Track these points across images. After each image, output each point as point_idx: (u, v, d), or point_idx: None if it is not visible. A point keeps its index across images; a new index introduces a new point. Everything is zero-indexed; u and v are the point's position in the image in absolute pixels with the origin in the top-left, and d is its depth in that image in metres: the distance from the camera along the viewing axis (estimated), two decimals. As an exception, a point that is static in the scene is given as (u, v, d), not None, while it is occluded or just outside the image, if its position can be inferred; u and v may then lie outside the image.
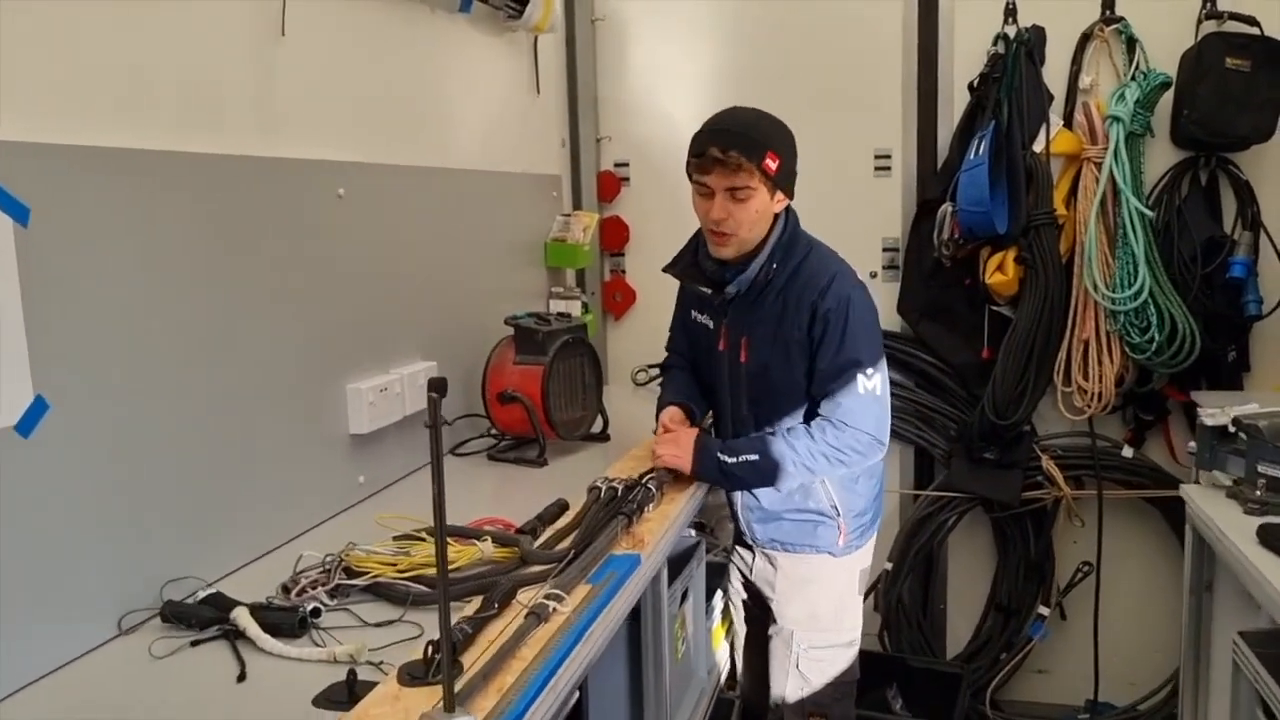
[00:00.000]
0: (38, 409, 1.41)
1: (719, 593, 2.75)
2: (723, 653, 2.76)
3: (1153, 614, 3.46)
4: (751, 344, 2.27)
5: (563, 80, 3.61)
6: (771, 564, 2.47)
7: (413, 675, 1.35)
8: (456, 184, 2.74)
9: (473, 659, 1.38)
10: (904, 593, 3.46)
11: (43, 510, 1.44)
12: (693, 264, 2.35)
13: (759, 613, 2.64)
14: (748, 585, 2.62)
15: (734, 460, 2.20)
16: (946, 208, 3.23)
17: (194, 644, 1.53)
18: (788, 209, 2.25)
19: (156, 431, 1.65)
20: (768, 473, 2.20)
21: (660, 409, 2.44)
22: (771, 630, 2.52)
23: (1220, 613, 2.20)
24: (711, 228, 2.18)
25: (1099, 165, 3.17)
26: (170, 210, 1.68)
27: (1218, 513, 2.02)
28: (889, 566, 3.44)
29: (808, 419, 2.25)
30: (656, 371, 3.59)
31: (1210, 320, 3.16)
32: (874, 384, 2.18)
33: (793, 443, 2.17)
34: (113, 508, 1.56)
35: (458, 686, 1.30)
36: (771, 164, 2.11)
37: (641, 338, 3.68)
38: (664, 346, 2.66)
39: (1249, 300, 3.15)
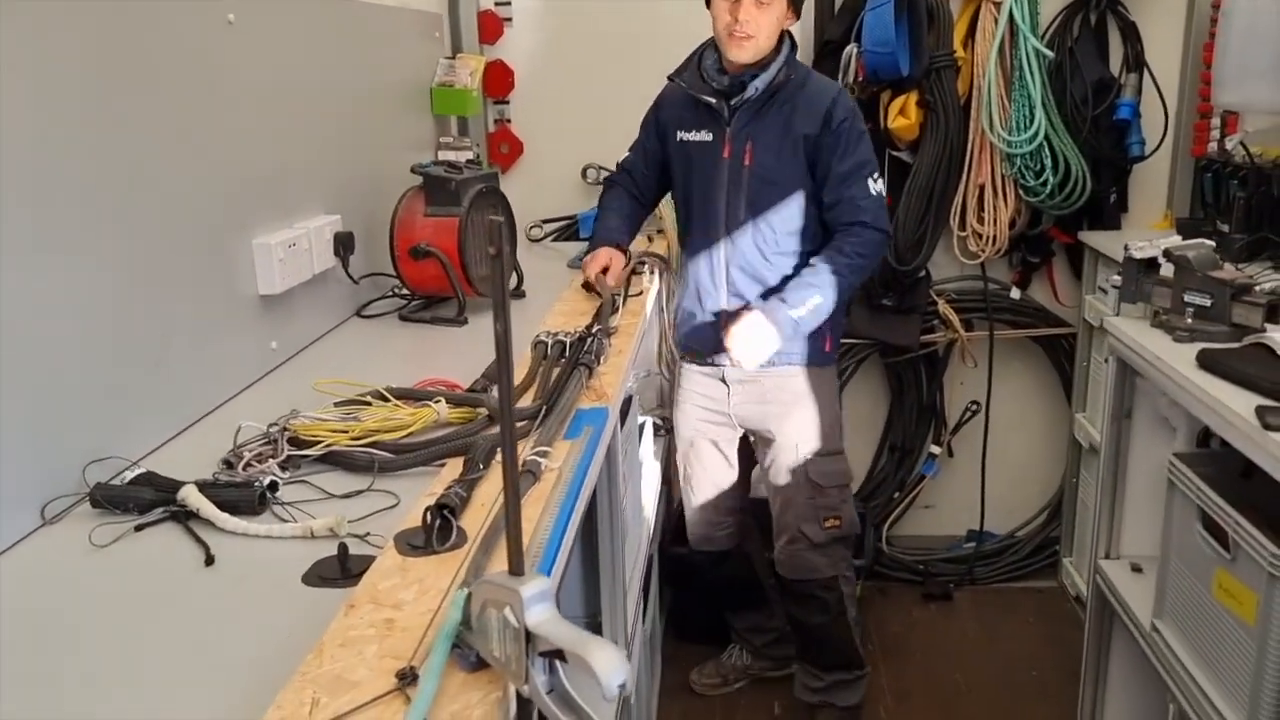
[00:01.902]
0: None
1: (647, 448, 2.72)
2: (651, 506, 2.74)
3: (1032, 448, 3.66)
4: (757, 147, 2.42)
5: (436, -94, 3.29)
6: (759, 388, 2.57)
7: (413, 544, 1.23)
8: (341, 16, 2.46)
9: (474, 523, 1.27)
10: (805, 440, 3.51)
11: (-60, 387, 1.21)
12: (697, 77, 2.47)
13: (740, 450, 2.77)
14: (716, 425, 2.71)
15: (804, 311, 2.33)
16: (852, 49, 3.15)
17: (138, 529, 1.35)
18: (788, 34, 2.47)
19: (57, 296, 1.40)
20: (828, 305, 2.36)
21: (594, 245, 2.55)
22: (770, 453, 2.63)
23: (1136, 440, 2.31)
24: (735, 31, 2.33)
25: (998, 5, 3.14)
26: (44, 40, 1.39)
27: (1149, 342, 2.08)
28: (790, 415, 3.47)
29: (796, 215, 2.44)
30: (551, 227, 3.46)
31: (1096, 162, 3.24)
32: (879, 186, 2.42)
33: (833, 265, 2.35)
34: (18, 385, 1.32)
35: (469, 553, 1.20)
36: None
37: (532, 191, 3.49)
38: (616, 164, 2.77)
39: (1133, 141, 3.25)
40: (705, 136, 2.48)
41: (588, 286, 2.41)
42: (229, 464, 1.50)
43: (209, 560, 1.26)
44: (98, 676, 1.05)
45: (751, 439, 2.73)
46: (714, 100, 2.43)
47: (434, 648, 0.96)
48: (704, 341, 2.61)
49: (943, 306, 3.35)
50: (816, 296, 2.33)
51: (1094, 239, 3.24)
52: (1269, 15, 2.58)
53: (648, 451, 2.77)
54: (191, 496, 1.37)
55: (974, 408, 3.55)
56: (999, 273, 3.49)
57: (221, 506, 1.36)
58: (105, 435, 1.48)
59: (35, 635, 1.12)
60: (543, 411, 1.60)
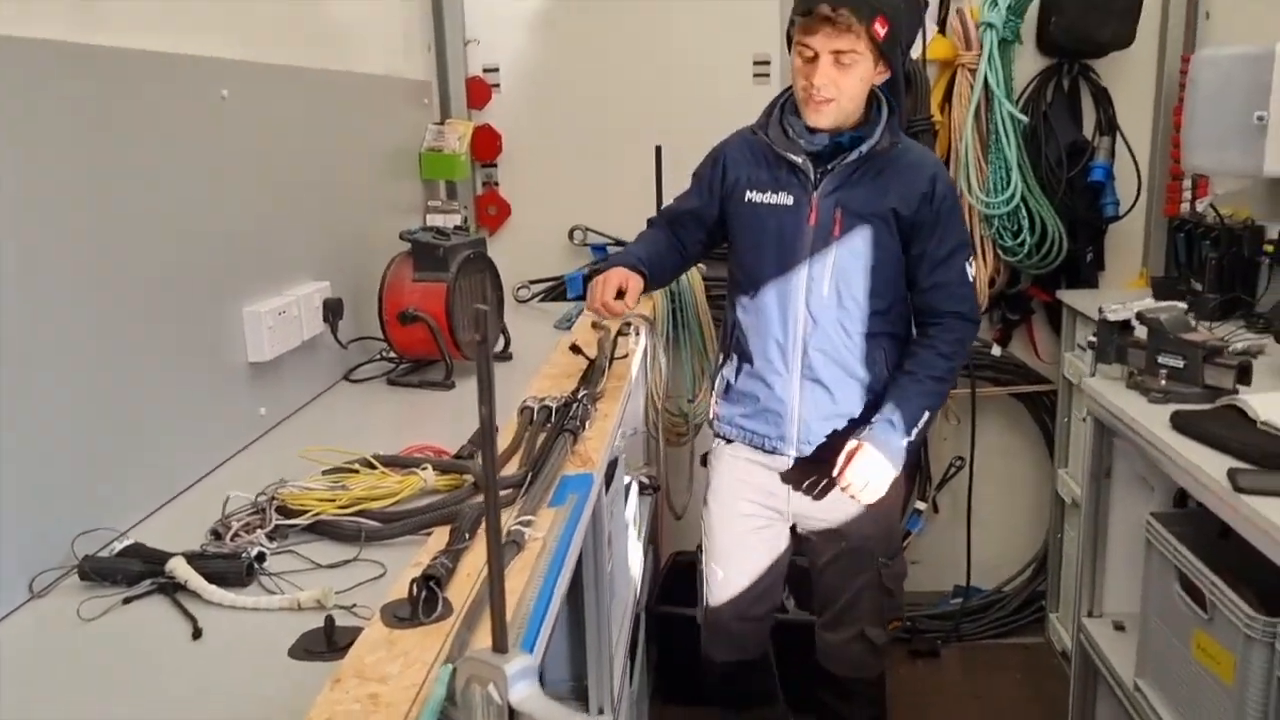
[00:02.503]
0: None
1: (632, 508, 2.73)
2: (637, 566, 2.75)
3: (1015, 503, 3.69)
4: (847, 216, 2.16)
5: (425, -22, 3.37)
6: (828, 486, 2.28)
7: (399, 616, 1.25)
8: (332, 87, 2.51)
9: (460, 594, 1.29)
10: (791, 497, 3.53)
11: (-67, 463, 1.23)
12: (781, 133, 2.22)
13: (789, 539, 2.49)
14: (767, 526, 2.44)
15: (916, 428, 2.15)
16: (831, 114, 3.22)
17: (126, 601, 1.36)
18: (892, 84, 2.19)
19: (45, 368, 1.43)
20: (935, 414, 2.23)
21: (612, 263, 2.33)
22: (834, 550, 2.38)
23: (1116, 498, 2.34)
24: (812, 94, 2.09)
25: (973, 71, 3.23)
26: (51, 111, 1.43)
27: (1125, 403, 2.12)
28: (776, 472, 3.50)
29: (883, 292, 2.21)
30: (539, 288, 3.51)
31: (1072, 222, 3.31)
32: (973, 269, 2.24)
33: (935, 371, 2.17)
34: (5, 453, 1.34)
35: (454, 627, 1.21)
36: (880, 29, 2.03)
37: (519, 253, 3.54)
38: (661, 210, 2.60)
39: (1107, 202, 3.33)
40: (784, 200, 2.21)
41: (575, 349, 2.42)
42: (217, 534, 1.52)
43: (196, 633, 1.28)
44: (85, 754, 1.06)
45: (808, 535, 2.46)
46: (800, 160, 2.19)
47: (419, 725, 0.98)
48: (768, 429, 2.34)
49: (925, 364, 3.39)
50: (927, 414, 2.18)
51: (1071, 298, 3.30)
52: (1234, 82, 2.67)
53: (633, 511, 2.78)
54: (179, 568, 1.39)
55: (958, 463, 3.58)
56: (980, 330, 3.54)
57: (209, 578, 1.38)
58: (94, 506, 1.50)
59: (22, 710, 1.13)
60: (527, 479, 1.62)
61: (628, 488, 2.77)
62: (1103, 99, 3.34)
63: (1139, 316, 2.16)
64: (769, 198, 2.24)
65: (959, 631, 3.59)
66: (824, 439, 2.28)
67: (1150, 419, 2.01)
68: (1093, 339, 2.29)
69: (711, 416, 2.50)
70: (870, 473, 2.14)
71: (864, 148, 2.14)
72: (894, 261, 2.21)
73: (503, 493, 1.59)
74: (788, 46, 2.18)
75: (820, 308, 2.22)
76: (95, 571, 1.40)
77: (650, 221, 2.55)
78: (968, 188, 3.24)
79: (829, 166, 2.18)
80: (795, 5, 2.11)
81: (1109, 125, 3.34)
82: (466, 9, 3.48)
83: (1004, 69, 3.21)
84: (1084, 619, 2.39)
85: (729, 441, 2.44)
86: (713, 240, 2.44)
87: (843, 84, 2.07)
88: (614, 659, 2.17)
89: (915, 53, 3.24)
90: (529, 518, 1.49)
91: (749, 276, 2.31)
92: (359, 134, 2.70)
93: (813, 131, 2.17)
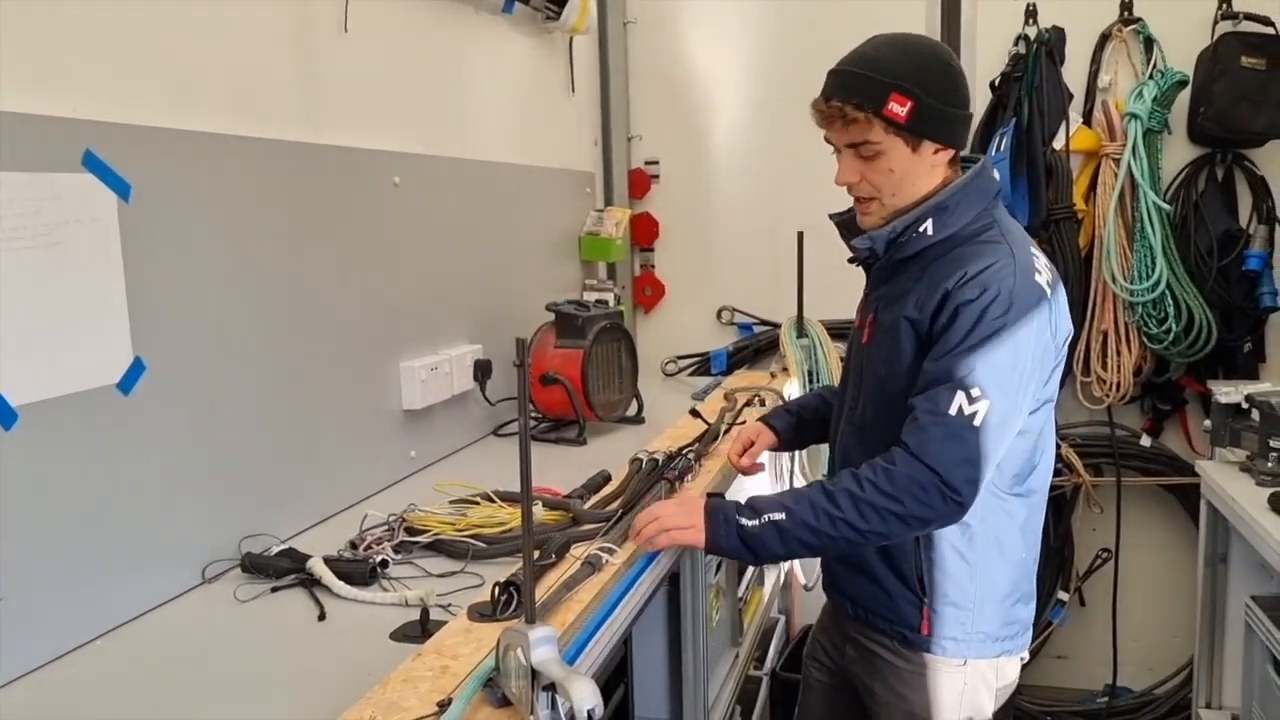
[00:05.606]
0: (136, 369, 1.54)
1: (749, 571, 2.86)
2: (756, 627, 2.87)
3: (1170, 600, 3.55)
4: (876, 321, 1.77)
5: (595, 80, 3.74)
6: (870, 663, 1.85)
7: (481, 613, 1.47)
8: (498, 177, 2.87)
9: (535, 600, 1.50)
10: (927, 577, 3.55)
11: (138, 463, 1.57)
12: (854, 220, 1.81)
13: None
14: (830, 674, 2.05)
15: (755, 522, 1.62)
16: (969, 202, 3.33)
17: (274, 590, 1.66)
18: (979, 165, 1.71)
19: (236, 398, 1.77)
20: (798, 534, 1.60)
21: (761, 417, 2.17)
22: None
23: (1235, 583, 2.30)
24: (851, 193, 1.75)
25: (1117, 161, 3.27)
26: (252, 192, 1.81)
27: (1231, 485, 2.12)
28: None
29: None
30: (686, 363, 3.74)
31: (1227, 312, 3.25)
32: (975, 410, 1.55)
33: (831, 490, 1.60)
34: (198, 465, 1.68)
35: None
36: (898, 108, 1.61)
37: (670, 330, 3.81)
38: None
39: (1264, 292, 3.25)
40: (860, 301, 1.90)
41: (694, 414, 2.62)
42: (354, 545, 1.81)
43: (321, 616, 1.55)
44: (222, 692, 1.34)
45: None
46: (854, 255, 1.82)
47: (468, 683, 1.19)
48: (826, 565, 1.97)
49: (1065, 450, 3.38)
50: (782, 516, 1.61)
51: (1220, 388, 3.21)
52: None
53: (751, 575, 2.90)
54: (317, 567, 1.67)
55: (1104, 555, 3.50)
56: (1129, 419, 3.50)
57: (339, 576, 1.66)
58: (262, 517, 1.83)
59: (187, 659, 1.43)
60: (618, 516, 1.82)
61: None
62: (1260, 188, 3.29)
63: (1249, 399, 2.16)
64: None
65: (1103, 732, 3.47)
66: (844, 590, 1.88)
67: (1251, 501, 2.01)
68: (1208, 423, 2.29)
69: None
70: (680, 517, 1.67)
71: (863, 244, 1.73)
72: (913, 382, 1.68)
73: (593, 525, 1.80)
74: None
75: (852, 435, 1.83)
76: (253, 565, 1.71)
77: None
78: (1111, 277, 3.26)
79: (861, 255, 1.79)
80: None
81: (1268, 214, 3.28)
82: (632, 108, 3.83)
83: (1149, 159, 3.23)
84: (1201, 710, 2.33)
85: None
86: None
87: (874, 179, 1.68)
88: (712, 709, 2.30)
89: (1058, 143, 3.32)
90: (611, 546, 1.69)
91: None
92: (521, 216, 3.04)
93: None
